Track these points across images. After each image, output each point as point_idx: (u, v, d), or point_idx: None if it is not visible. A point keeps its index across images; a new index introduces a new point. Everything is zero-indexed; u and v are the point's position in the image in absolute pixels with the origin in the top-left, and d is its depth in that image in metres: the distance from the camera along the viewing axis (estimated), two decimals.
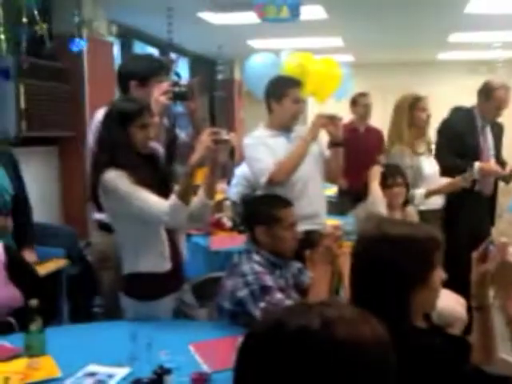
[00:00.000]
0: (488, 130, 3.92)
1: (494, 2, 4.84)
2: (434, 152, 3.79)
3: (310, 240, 2.60)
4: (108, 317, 2.47)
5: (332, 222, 3.22)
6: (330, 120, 2.94)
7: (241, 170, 4.13)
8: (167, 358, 1.78)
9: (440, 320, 2.46)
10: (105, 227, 2.60)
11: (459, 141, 3.78)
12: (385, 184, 3.16)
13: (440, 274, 1.45)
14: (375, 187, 3.14)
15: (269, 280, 2.16)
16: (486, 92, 3.82)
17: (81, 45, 4.27)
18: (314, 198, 3.02)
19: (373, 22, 5.95)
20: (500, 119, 4.01)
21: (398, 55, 8.43)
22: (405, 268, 1.40)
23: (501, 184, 4.20)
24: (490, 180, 3.86)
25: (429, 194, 3.46)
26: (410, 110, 3.57)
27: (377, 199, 3.11)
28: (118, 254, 2.36)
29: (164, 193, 2.24)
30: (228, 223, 3.81)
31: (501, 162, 3.87)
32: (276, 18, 3.70)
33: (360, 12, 5.49)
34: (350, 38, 6.94)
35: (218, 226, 3.80)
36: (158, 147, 2.51)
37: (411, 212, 3.26)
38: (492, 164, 3.73)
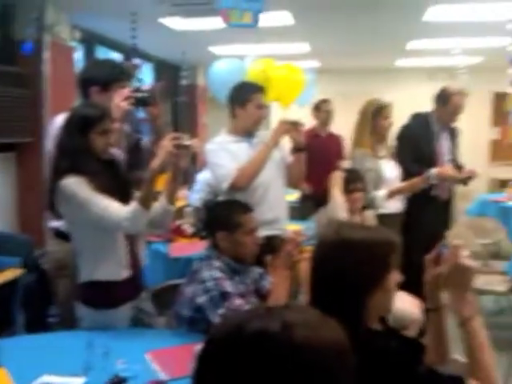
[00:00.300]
0: (444, 134, 4.01)
1: (452, 9, 4.95)
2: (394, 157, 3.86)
3: (271, 245, 2.61)
4: (63, 326, 2.42)
5: (293, 227, 3.24)
6: (292, 126, 2.96)
7: (203, 176, 4.12)
8: (123, 367, 1.76)
9: (396, 322, 2.49)
10: (61, 235, 2.55)
11: (417, 146, 3.86)
12: (346, 189, 3.21)
13: (396, 277, 1.47)
14: (336, 192, 3.18)
15: (228, 286, 2.16)
16: (443, 98, 3.91)
17: (29, 48, 4.17)
18: (275, 204, 3.04)
19: (338, 28, 6.03)
20: (455, 124, 4.11)
21: (360, 62, 8.55)
22: (362, 271, 1.42)
23: (458, 188, 4.30)
24: (447, 184, 3.95)
25: (390, 195, 3.54)
26: (374, 117, 3.64)
27: (338, 204, 3.15)
28: (75, 263, 2.31)
29: (124, 199, 2.21)
30: (189, 230, 3.79)
31: (458, 166, 3.96)
32: (239, 23, 3.70)
33: (326, 18, 5.55)
34: (316, 44, 7.00)
35: (179, 232, 3.77)
36: (119, 153, 2.48)
37: (369, 216, 3.33)
38: (449, 169, 3.81)
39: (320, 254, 1.49)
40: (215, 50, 7.07)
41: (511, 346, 3.22)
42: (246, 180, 2.90)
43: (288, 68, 4.69)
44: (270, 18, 5.34)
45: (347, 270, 1.42)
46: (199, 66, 8.67)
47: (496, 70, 5.94)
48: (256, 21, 3.71)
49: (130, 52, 5.50)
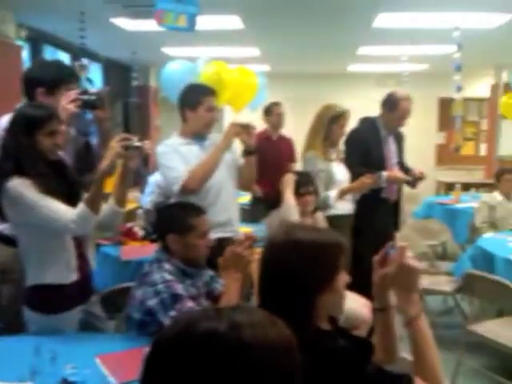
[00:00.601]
0: (391, 138, 4.11)
1: (400, 17, 5.08)
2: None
3: (224, 247, 2.60)
4: (9, 332, 2.35)
5: (245, 229, 3.26)
6: (244, 129, 2.97)
7: (154, 178, 4.08)
8: (72, 372, 1.72)
9: (347, 322, 2.54)
10: (4, 239, 2.48)
11: (365, 150, 3.93)
12: (298, 192, 3.25)
13: (344, 278, 1.50)
14: (289, 195, 3.22)
15: (179, 289, 2.14)
16: (391, 103, 4.00)
17: None
18: (227, 206, 3.05)
19: (288, 33, 6.09)
20: (402, 129, 4.21)
21: (312, 66, 8.66)
22: (311, 272, 1.44)
23: (405, 191, 4.42)
24: (395, 187, 4.06)
25: (341, 194, 3.60)
26: (330, 123, 3.69)
27: (290, 207, 3.18)
28: (20, 267, 2.25)
29: (72, 201, 2.17)
30: (140, 232, 3.74)
31: (404, 169, 4.07)
32: (173, 26, 3.67)
33: (276, 23, 5.60)
34: (266, 49, 7.05)
35: (129, 235, 3.71)
36: (65, 156, 2.43)
37: (320, 218, 3.38)
38: (397, 172, 3.92)
39: (270, 255, 1.51)
40: (168, 51, 7.02)
41: (458, 344, 3.31)
42: (197, 183, 2.90)
43: (241, 71, 4.70)
44: (219, 22, 5.36)
45: (296, 270, 1.43)
46: (152, 66, 8.59)
47: (442, 76, 6.14)
48: (192, 24, 3.68)
49: (78, 52, 5.40)
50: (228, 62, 4.70)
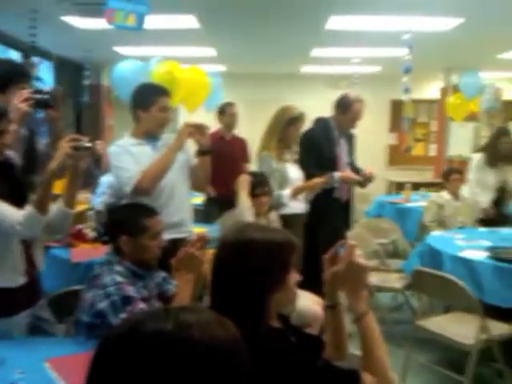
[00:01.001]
0: (343, 140, 4.18)
1: (352, 19, 5.17)
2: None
3: (177, 248, 2.59)
4: None
5: (199, 230, 3.24)
6: (197, 129, 2.96)
7: (106, 179, 4.02)
8: (20, 377, 1.69)
9: (299, 320, 2.58)
10: None
11: (319, 150, 3.99)
12: (253, 193, 3.25)
13: (295, 277, 1.52)
14: (243, 196, 3.22)
15: (131, 291, 2.12)
16: (344, 105, 4.07)
17: None
18: (180, 207, 3.03)
19: (244, 34, 6.12)
20: (353, 130, 4.29)
21: (267, 67, 8.71)
22: (263, 271, 1.45)
23: (357, 190, 4.50)
24: (347, 187, 4.13)
25: (295, 193, 3.64)
26: (287, 125, 3.72)
27: (245, 208, 3.18)
28: None
29: (19, 203, 2.12)
30: (90, 234, 3.67)
31: (355, 170, 4.15)
32: (122, 25, 3.65)
33: (232, 24, 5.61)
34: (222, 49, 7.05)
35: (80, 237, 3.64)
36: (14, 156, 2.37)
37: (273, 217, 3.40)
38: (349, 172, 3.99)
39: (222, 255, 1.51)
40: (120, 50, 6.93)
41: (408, 340, 3.40)
42: (149, 183, 2.87)
43: (193, 71, 4.68)
44: (175, 22, 5.33)
45: (248, 270, 1.45)
46: (104, 65, 8.45)
47: (394, 78, 6.27)
48: (140, 23, 3.67)
49: (29, 50, 5.27)
50: (184, 62, 4.69)
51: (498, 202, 5.05)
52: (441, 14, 4.95)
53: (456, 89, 7.46)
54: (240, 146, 5.46)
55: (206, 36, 6.07)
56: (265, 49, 7.09)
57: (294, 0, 4.64)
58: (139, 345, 0.88)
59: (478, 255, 3.46)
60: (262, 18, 5.33)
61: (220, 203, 4.52)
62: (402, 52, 5.66)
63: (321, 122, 4.20)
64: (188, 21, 5.29)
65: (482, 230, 4.48)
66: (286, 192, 3.62)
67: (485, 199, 5.01)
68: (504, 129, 5.27)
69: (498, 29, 5.58)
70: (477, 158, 5.20)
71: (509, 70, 8.78)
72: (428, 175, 9.17)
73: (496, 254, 3.41)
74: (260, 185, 3.31)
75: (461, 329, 3.15)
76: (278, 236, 1.52)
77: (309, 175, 3.77)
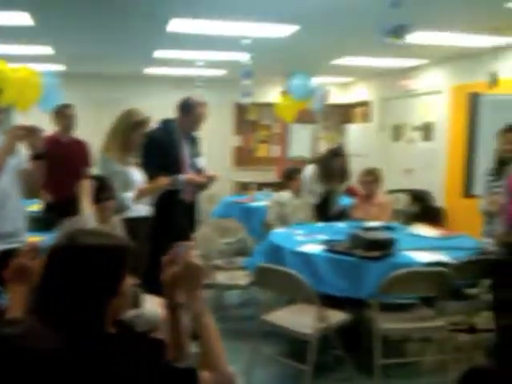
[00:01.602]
0: (187, 142, 4.20)
1: (193, 23, 5.21)
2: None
3: (9, 260, 2.43)
4: None
5: (36, 238, 3.07)
6: (29, 132, 2.80)
7: None
8: None
9: (147, 324, 2.56)
10: None
11: (162, 153, 3.97)
12: (96, 198, 3.13)
13: (129, 281, 1.50)
14: (86, 202, 3.09)
15: None
16: (186, 108, 4.10)
17: None
18: (13, 215, 2.86)
19: (83, 33, 5.88)
20: (197, 132, 4.33)
21: (109, 68, 8.48)
22: (97, 277, 1.41)
23: (204, 192, 4.56)
24: (191, 189, 4.16)
25: (139, 194, 3.60)
26: (131, 129, 3.63)
27: (88, 214, 3.06)
28: None
29: None
30: None
31: (198, 171, 4.20)
32: None
33: (70, 22, 5.36)
34: (60, 48, 6.72)
35: None
36: None
37: (116, 222, 3.32)
38: (193, 174, 4.04)
39: (51, 263, 1.45)
40: None
41: (253, 336, 3.51)
42: None
43: (23, 70, 4.41)
44: (6, 18, 4.98)
45: (82, 276, 1.40)
46: None
47: (238, 82, 6.44)
48: None
49: None
50: (18, 61, 4.40)
51: (324, 205, 5.42)
52: (278, 21, 5.18)
53: (287, 92, 7.87)
54: (80, 149, 5.22)
55: (41, 34, 5.74)
56: (106, 49, 6.90)
57: (134, 1, 4.57)
58: None
59: (315, 249, 3.68)
60: (102, 19, 5.18)
61: (59, 210, 4.29)
62: (245, 56, 5.84)
63: (164, 125, 4.18)
64: (21, 18, 4.97)
65: (320, 225, 4.78)
66: (130, 195, 3.56)
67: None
68: (337, 150, 5.62)
69: (330, 37, 5.99)
70: (310, 169, 5.52)
71: (340, 76, 9.49)
72: (271, 175, 9.57)
73: (331, 246, 3.66)
74: (103, 189, 3.20)
75: (301, 320, 3.33)
76: (111, 241, 1.49)
77: (152, 178, 3.74)
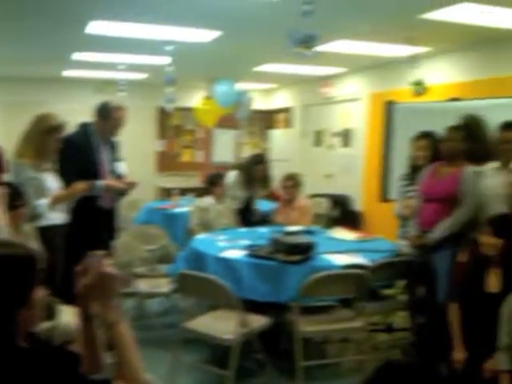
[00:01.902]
0: (106, 147, 4.11)
1: (113, 25, 5.10)
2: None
3: None
4: None
5: None
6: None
7: None
8: None
9: (64, 335, 2.48)
10: None
11: (79, 158, 3.86)
12: (12, 205, 2.99)
13: (39, 292, 1.45)
14: (0, 212, 2.94)
15: None
16: (104, 112, 4.01)
17: None
18: None
19: None
20: (117, 137, 4.25)
21: (27, 69, 8.15)
22: (5, 289, 1.36)
23: (126, 198, 4.47)
24: (110, 195, 4.07)
25: (54, 201, 3.49)
26: (45, 135, 3.52)
27: (2, 225, 2.91)
28: None
29: None
30: None
31: (117, 177, 4.11)
32: None
33: None
34: None
35: None
36: None
37: (29, 231, 3.19)
38: (113, 180, 3.95)
39: None
40: None
41: (175, 343, 3.46)
42: None
43: None
44: None
45: None
46: None
47: (160, 86, 6.36)
48: None
49: None
50: None
51: (246, 211, 5.49)
52: (200, 26, 5.18)
53: (210, 97, 7.88)
54: None
55: None
56: (23, 50, 6.62)
57: (51, 2, 4.42)
58: None
59: (237, 254, 3.70)
60: (17, 20, 4.97)
61: None
62: (166, 61, 5.78)
63: (82, 129, 4.07)
64: None
65: (243, 230, 4.81)
66: (44, 202, 3.43)
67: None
68: (259, 157, 5.73)
69: (251, 44, 6.05)
70: (233, 175, 5.57)
71: (263, 82, 9.61)
72: (196, 181, 9.53)
73: (253, 251, 3.69)
74: (17, 196, 3.07)
75: (223, 325, 3.33)
76: (19, 251, 1.44)
77: (69, 184, 3.63)
